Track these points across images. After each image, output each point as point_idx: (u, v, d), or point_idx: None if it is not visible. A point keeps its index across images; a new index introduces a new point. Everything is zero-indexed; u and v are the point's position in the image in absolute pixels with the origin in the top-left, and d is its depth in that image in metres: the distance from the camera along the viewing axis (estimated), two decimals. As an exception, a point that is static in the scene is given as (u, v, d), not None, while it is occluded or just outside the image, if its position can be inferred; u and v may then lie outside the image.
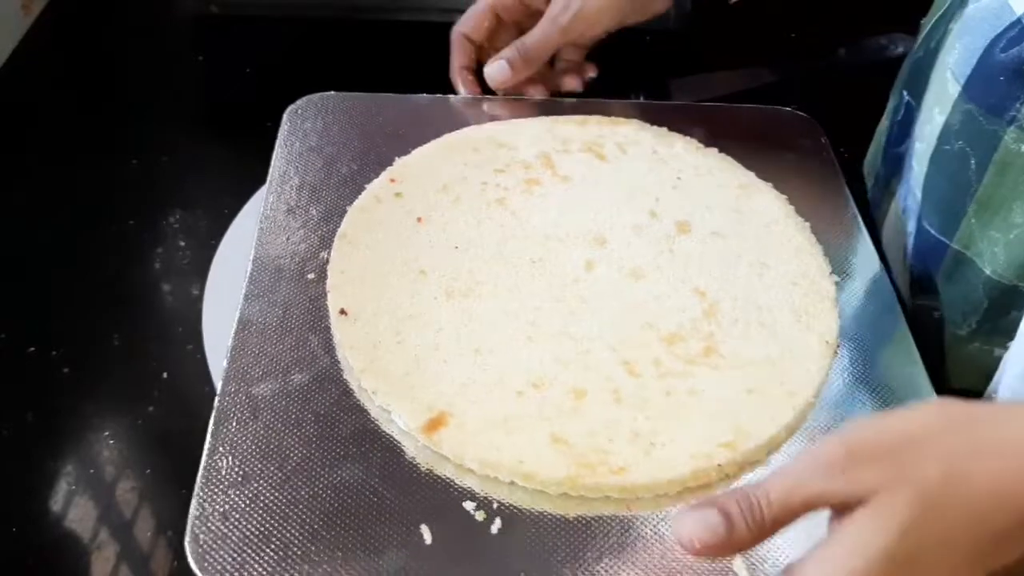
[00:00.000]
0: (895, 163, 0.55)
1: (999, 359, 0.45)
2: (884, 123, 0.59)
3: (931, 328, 0.49)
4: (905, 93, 0.54)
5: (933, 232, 0.48)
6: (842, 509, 0.32)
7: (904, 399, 0.46)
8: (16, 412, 0.45)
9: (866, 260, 0.52)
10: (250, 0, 0.75)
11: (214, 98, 0.69)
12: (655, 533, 0.40)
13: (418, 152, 0.56)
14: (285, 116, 0.58)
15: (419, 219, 0.51)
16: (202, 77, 0.71)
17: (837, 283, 0.50)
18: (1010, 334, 0.44)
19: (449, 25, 0.72)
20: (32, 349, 0.48)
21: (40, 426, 0.45)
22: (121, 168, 0.60)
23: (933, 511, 0.31)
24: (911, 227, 0.51)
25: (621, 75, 0.67)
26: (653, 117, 0.60)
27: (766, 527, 0.32)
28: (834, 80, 0.72)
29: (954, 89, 0.46)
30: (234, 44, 0.72)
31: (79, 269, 0.53)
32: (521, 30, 0.60)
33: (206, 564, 0.38)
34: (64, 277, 0.53)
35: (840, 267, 0.52)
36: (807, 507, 0.32)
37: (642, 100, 0.65)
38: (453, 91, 0.62)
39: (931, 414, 0.34)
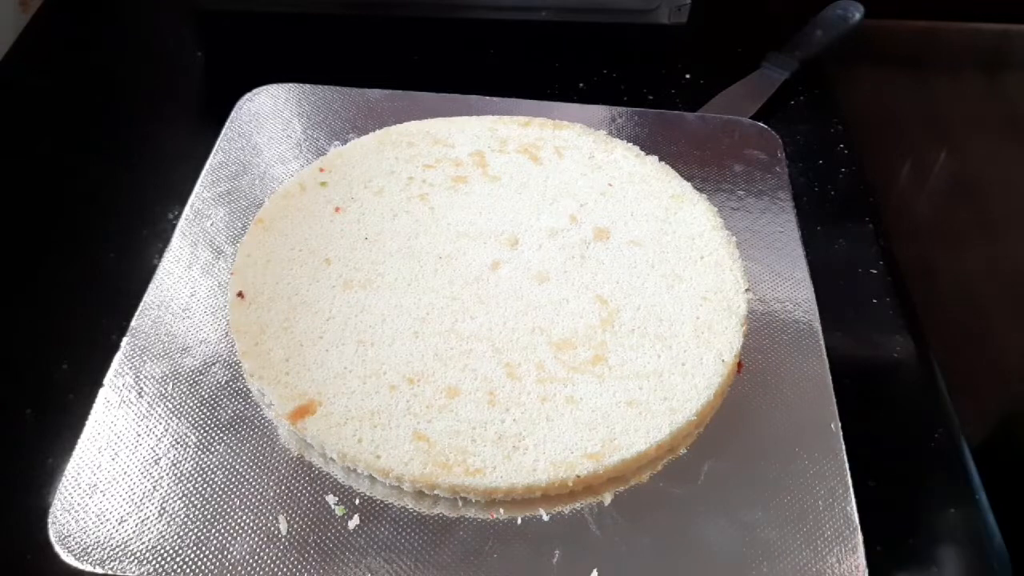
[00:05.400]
0: None
1: None
2: None
3: None
4: None
5: None
6: None
7: (806, 424, 0.44)
8: (15, 409, 0.46)
9: (795, 280, 0.50)
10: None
11: (214, 95, 0.69)
12: (513, 537, 0.40)
13: (354, 143, 0.56)
14: (235, 106, 0.59)
15: (337, 209, 0.52)
16: (201, 73, 0.71)
17: (751, 300, 0.48)
18: None
19: (449, 21, 0.72)
20: (32, 347, 0.49)
21: (39, 423, 0.46)
22: (120, 166, 0.60)
23: None
24: None
25: (621, 72, 0.68)
26: (608, 122, 0.59)
27: None
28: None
29: None
30: (234, 40, 0.73)
31: (79, 267, 0.54)
32: None
33: (66, 537, 0.39)
34: (63, 275, 0.53)
35: (764, 285, 0.50)
36: None
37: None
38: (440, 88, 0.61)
39: None
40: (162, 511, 0.40)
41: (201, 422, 0.43)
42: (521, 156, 0.55)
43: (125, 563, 0.38)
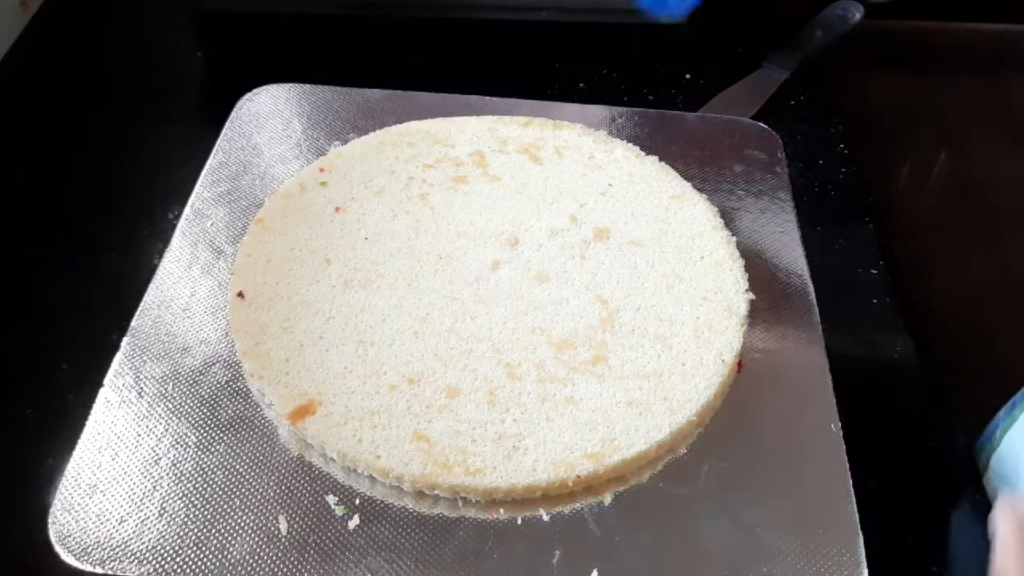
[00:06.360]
0: None
1: None
2: None
3: None
4: None
5: None
6: None
7: (806, 424, 0.44)
8: (15, 409, 0.46)
9: (795, 280, 0.50)
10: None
11: (214, 95, 0.68)
12: (513, 537, 0.40)
13: (354, 143, 0.56)
14: (235, 106, 0.59)
15: (337, 209, 0.52)
16: (202, 73, 0.71)
17: (752, 301, 0.48)
18: None
19: (449, 21, 0.72)
20: (32, 347, 0.49)
21: (39, 423, 0.46)
22: (120, 166, 0.60)
23: None
24: None
25: (621, 72, 0.68)
26: (608, 122, 0.59)
27: None
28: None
29: None
30: (234, 40, 0.73)
31: (78, 267, 0.54)
32: None
33: (66, 537, 0.39)
34: (63, 275, 0.53)
35: (765, 285, 0.50)
36: None
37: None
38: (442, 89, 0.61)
39: None
40: (162, 511, 0.40)
41: (201, 422, 0.43)
42: (521, 156, 0.55)
43: (125, 563, 0.39)
